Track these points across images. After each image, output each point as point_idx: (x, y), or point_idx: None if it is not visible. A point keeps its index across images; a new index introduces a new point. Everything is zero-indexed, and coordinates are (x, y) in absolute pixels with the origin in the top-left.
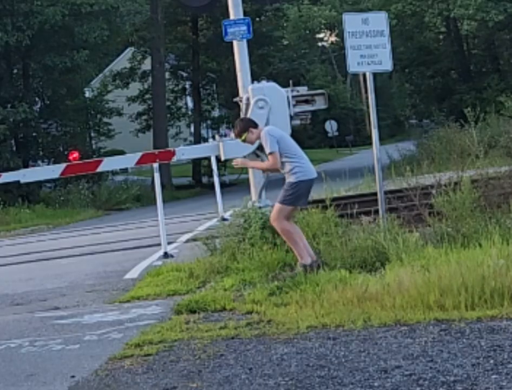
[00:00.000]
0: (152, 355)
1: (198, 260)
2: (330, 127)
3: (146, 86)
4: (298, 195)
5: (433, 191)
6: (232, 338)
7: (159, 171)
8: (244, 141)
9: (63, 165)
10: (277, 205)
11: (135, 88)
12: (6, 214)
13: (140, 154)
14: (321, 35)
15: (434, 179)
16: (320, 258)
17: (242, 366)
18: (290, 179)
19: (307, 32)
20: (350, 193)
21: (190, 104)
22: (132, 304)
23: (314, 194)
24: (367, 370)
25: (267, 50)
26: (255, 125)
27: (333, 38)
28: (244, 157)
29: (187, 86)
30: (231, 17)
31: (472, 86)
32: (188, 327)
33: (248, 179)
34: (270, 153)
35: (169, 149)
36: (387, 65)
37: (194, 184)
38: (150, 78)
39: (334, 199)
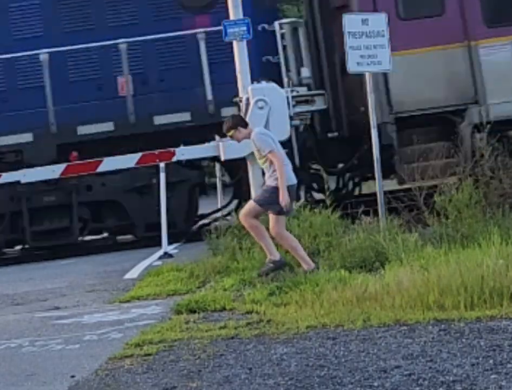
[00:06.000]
0: (152, 354)
1: (198, 260)
2: None
3: None
4: (276, 201)
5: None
6: (232, 338)
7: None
8: (231, 137)
9: (63, 165)
10: (251, 203)
11: None
12: None
13: (140, 154)
14: None
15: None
16: (316, 263)
17: (242, 366)
18: (272, 183)
19: None
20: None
21: None
22: (132, 304)
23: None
24: (366, 370)
25: None
26: (245, 125)
27: None
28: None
29: None
30: (231, 17)
31: None
32: (188, 327)
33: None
34: (270, 152)
35: (169, 149)
36: (386, 65)
37: None
38: None
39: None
